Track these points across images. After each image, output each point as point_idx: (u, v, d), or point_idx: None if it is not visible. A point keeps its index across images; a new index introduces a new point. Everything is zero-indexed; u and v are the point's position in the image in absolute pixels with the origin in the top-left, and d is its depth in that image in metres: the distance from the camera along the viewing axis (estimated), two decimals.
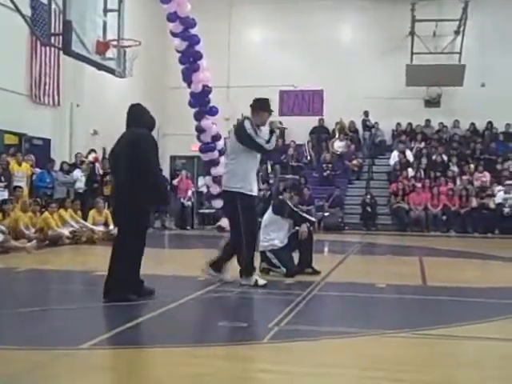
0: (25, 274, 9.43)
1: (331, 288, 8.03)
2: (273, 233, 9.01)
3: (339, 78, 23.37)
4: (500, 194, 19.55)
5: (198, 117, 18.06)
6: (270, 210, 9.22)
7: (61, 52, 13.73)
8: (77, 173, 16.96)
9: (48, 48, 17.08)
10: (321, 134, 23.99)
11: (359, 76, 23.32)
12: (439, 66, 22.16)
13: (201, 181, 21.45)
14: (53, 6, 12.33)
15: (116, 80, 15.33)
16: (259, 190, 8.15)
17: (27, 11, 12.00)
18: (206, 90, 17.81)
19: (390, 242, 16.72)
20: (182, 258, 12.51)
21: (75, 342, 5.00)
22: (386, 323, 6.11)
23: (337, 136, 23.35)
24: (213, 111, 18.20)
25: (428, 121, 24.00)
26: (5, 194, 13.97)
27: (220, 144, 19.00)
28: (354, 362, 4.76)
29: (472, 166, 21.35)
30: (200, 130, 18.18)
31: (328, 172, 22.21)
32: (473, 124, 23.58)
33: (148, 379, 4.35)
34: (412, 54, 22.73)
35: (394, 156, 22.45)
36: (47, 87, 18.33)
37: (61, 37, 12.15)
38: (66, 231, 13.78)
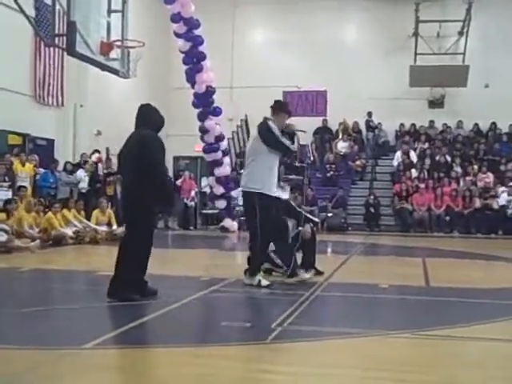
0: (28, 274, 9.45)
1: (334, 288, 8.04)
2: None
3: (343, 78, 23.36)
4: (504, 196, 19.52)
5: (202, 117, 18.09)
6: None
7: (65, 53, 13.76)
8: (80, 173, 16.98)
9: (52, 49, 17.12)
10: (324, 135, 23.99)
11: (363, 77, 23.30)
12: (443, 67, 22.15)
13: (204, 181, 21.48)
14: (57, 6, 12.33)
15: (120, 81, 15.34)
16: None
17: (31, 12, 12.03)
18: (210, 91, 17.85)
19: (393, 243, 16.70)
20: (185, 258, 12.52)
21: (78, 341, 5.01)
22: (389, 324, 6.11)
23: (340, 137, 23.33)
24: (216, 112, 18.23)
25: (432, 121, 23.99)
26: (9, 194, 14.00)
27: (223, 144, 19.03)
28: (356, 362, 4.76)
29: (475, 166, 21.32)
30: (203, 131, 18.21)
31: (331, 173, 22.20)
32: (476, 125, 23.56)
33: (151, 379, 4.35)
34: (416, 54, 22.71)
35: (398, 157, 22.43)
36: (51, 88, 18.37)
37: (65, 37, 12.15)
38: (69, 231, 13.80)
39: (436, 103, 24.10)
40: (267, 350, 5.10)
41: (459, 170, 21.46)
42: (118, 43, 12.97)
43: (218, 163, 18.77)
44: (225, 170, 18.97)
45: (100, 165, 17.61)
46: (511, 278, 10.17)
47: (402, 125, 24.08)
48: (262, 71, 23.98)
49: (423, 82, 22.64)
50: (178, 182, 20.41)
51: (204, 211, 21.51)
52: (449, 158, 22.00)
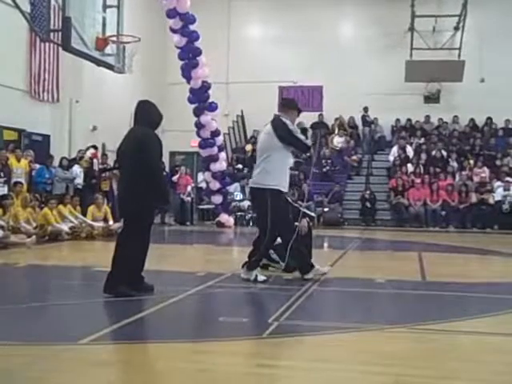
0: (24, 270, 9.44)
1: (331, 283, 8.04)
2: None
3: (339, 73, 23.36)
4: (499, 191, 19.56)
5: (198, 112, 18.08)
6: None
7: (60, 48, 13.74)
8: (76, 169, 16.95)
9: (47, 44, 17.06)
10: (320, 130, 23.97)
11: (359, 72, 23.29)
12: (439, 62, 22.16)
13: (200, 176, 21.47)
14: (52, 2, 12.32)
15: (115, 76, 15.36)
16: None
17: (26, 7, 11.95)
18: (205, 86, 17.84)
19: (390, 238, 16.74)
20: (181, 254, 12.53)
21: (75, 337, 5.01)
22: (385, 318, 6.12)
23: (336, 132, 23.26)
24: (212, 107, 18.22)
25: (427, 116, 24.01)
26: (4, 190, 13.97)
27: (219, 140, 19.03)
28: (353, 356, 4.78)
29: (471, 161, 21.36)
30: (199, 126, 18.20)
31: (327, 168, 22.22)
32: (472, 120, 23.58)
33: (148, 374, 4.35)
34: (411, 49, 22.73)
35: (394, 151, 22.45)
36: (46, 83, 18.33)
37: (60, 33, 12.15)
38: (65, 227, 13.79)
39: (432, 98, 24.10)
40: (264, 345, 5.10)
41: (455, 164, 21.50)
42: (114, 38, 12.97)
43: (214, 158, 18.76)
44: (221, 165, 18.97)
45: (95, 160, 17.57)
46: (507, 273, 10.21)
47: (397, 120, 24.10)
48: (257, 66, 23.98)
49: (419, 77, 22.66)
50: (175, 178, 20.41)
51: (200, 206, 21.53)
52: (445, 153, 22.02)
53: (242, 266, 8.13)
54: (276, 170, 7.85)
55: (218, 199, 19.28)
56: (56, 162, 16.92)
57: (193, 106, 18.12)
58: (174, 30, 17.21)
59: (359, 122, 24.27)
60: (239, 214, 20.23)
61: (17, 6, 12.10)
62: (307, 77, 23.62)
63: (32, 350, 4.78)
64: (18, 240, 12.07)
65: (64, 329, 5.55)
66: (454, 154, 21.95)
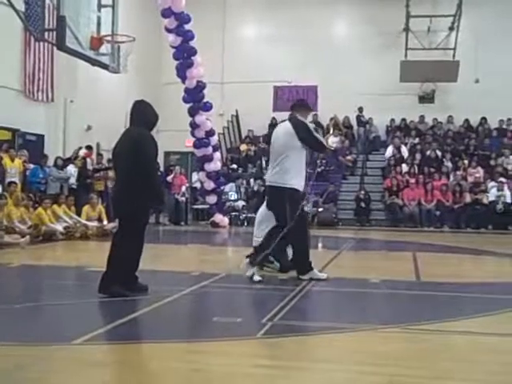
0: (18, 270, 9.42)
1: (325, 283, 8.04)
2: (267, 228, 9.00)
3: (333, 73, 23.38)
4: (493, 191, 19.59)
5: (192, 112, 18.07)
6: (264, 206, 9.21)
7: (55, 47, 13.71)
8: (71, 168, 16.93)
9: (42, 43, 17.04)
10: (317, 130, 23.98)
11: (353, 72, 23.31)
12: (433, 62, 22.19)
13: (195, 176, 21.45)
14: (47, 1, 12.31)
15: (110, 76, 15.34)
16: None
17: (21, 6, 11.94)
18: (200, 86, 17.84)
19: (384, 238, 16.75)
20: (176, 254, 12.52)
21: (68, 337, 5.00)
22: (379, 318, 6.13)
23: (331, 132, 23.23)
24: (207, 107, 18.23)
25: (422, 117, 24.04)
26: None
27: (214, 140, 19.03)
28: (347, 357, 4.78)
29: (466, 161, 21.40)
30: (194, 126, 18.20)
31: (322, 168, 22.21)
32: (467, 120, 23.62)
33: (142, 374, 4.35)
34: (406, 49, 22.75)
35: (390, 151, 22.46)
36: (41, 83, 18.30)
37: (55, 32, 12.14)
38: (59, 227, 13.77)
39: (426, 98, 24.14)
40: (258, 345, 5.11)
41: (449, 164, 21.53)
42: (108, 38, 12.96)
43: (209, 158, 18.76)
44: (215, 165, 18.97)
45: (88, 160, 17.54)
46: (500, 273, 10.23)
47: (392, 120, 24.12)
48: (252, 66, 23.99)
49: (414, 77, 22.68)
50: (169, 178, 20.39)
51: (195, 206, 21.52)
52: (439, 153, 22.05)
53: (246, 257, 8.15)
54: (295, 170, 7.96)
55: (212, 199, 19.28)
56: (50, 162, 16.89)
57: (187, 105, 18.11)
58: (168, 30, 17.21)
59: (354, 122, 24.27)
60: (234, 213, 20.22)
61: (11, 5, 12.08)
62: (302, 77, 23.66)
63: (26, 350, 4.77)
64: (12, 240, 12.04)
65: (58, 329, 5.54)
66: (448, 154, 21.98)
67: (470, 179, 20.62)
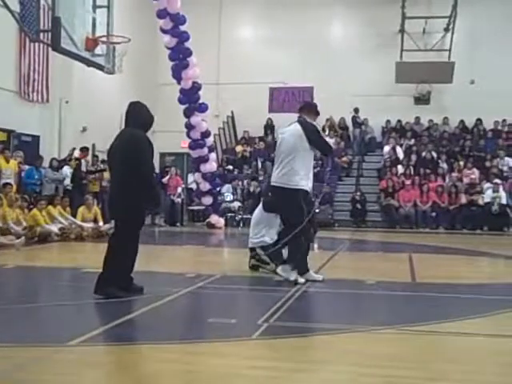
0: (13, 271, 9.37)
1: (320, 285, 8.03)
2: (263, 230, 9.02)
3: (329, 74, 23.39)
4: (488, 193, 19.61)
5: (188, 113, 18.07)
6: (260, 208, 9.21)
7: (50, 48, 13.68)
8: (66, 169, 16.90)
9: (37, 44, 17.00)
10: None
11: (349, 73, 23.33)
12: (429, 64, 22.22)
13: (190, 177, 21.44)
14: (42, 2, 12.28)
15: (105, 77, 15.31)
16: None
17: (16, 7, 11.92)
18: (196, 87, 17.84)
19: (380, 239, 16.77)
20: (171, 255, 12.51)
21: (64, 338, 4.98)
22: (375, 319, 6.12)
23: (327, 133, 23.28)
24: (202, 108, 18.23)
25: (418, 118, 24.07)
26: None
27: (209, 141, 19.03)
28: (343, 358, 4.77)
29: (461, 163, 21.43)
30: (189, 127, 18.19)
31: (318, 169, 22.20)
32: (462, 121, 23.64)
33: (137, 376, 4.34)
34: (402, 51, 22.78)
35: (386, 151, 22.47)
36: (36, 84, 18.26)
37: (50, 33, 12.11)
38: (54, 228, 13.74)
39: (422, 99, 24.17)
40: (254, 347, 5.09)
41: (445, 166, 21.55)
42: (104, 39, 12.94)
43: (204, 159, 18.76)
44: (211, 166, 18.97)
45: (83, 161, 17.49)
46: (496, 274, 10.25)
47: (388, 121, 24.13)
48: (248, 67, 23.98)
49: (409, 78, 22.71)
50: (165, 180, 20.37)
51: (190, 207, 21.50)
52: (435, 155, 22.08)
53: (282, 262, 8.14)
54: (303, 171, 8.00)
55: (208, 200, 19.28)
56: (46, 163, 16.85)
57: (183, 106, 18.11)
58: (164, 31, 17.20)
59: (350, 123, 24.28)
60: (229, 215, 20.21)
61: (6, 6, 12.05)
62: (298, 78, 23.67)
63: (20, 351, 4.75)
64: (7, 241, 12.02)
65: (54, 330, 5.53)
66: (443, 155, 22.01)
67: (466, 180, 20.66)
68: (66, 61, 15.06)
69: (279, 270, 8.10)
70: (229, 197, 20.64)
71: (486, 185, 20.01)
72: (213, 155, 19.31)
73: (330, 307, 7.12)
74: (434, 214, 19.95)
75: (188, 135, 18.49)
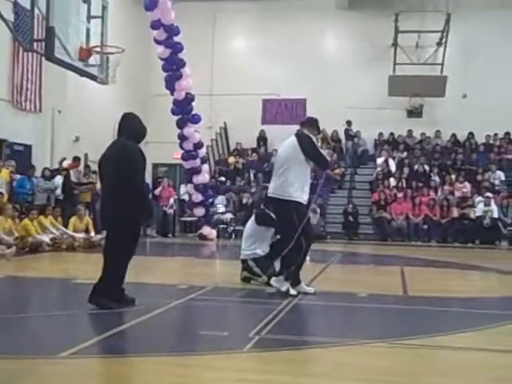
0: (3, 282, 9.32)
1: (312, 297, 8.02)
2: (256, 243, 9.01)
3: (322, 87, 23.43)
4: (480, 206, 19.65)
5: (181, 124, 18.07)
6: (252, 221, 9.21)
7: (43, 58, 13.68)
8: (58, 179, 16.84)
9: (30, 54, 16.97)
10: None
11: (342, 85, 23.38)
12: (421, 77, 22.30)
13: (183, 189, 21.41)
14: (36, 11, 12.27)
15: (98, 87, 15.31)
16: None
17: (10, 16, 11.94)
18: (189, 98, 17.85)
19: (372, 252, 16.77)
20: (163, 266, 12.47)
21: (54, 350, 4.96)
22: (367, 333, 6.12)
23: (319, 145, 23.35)
24: (195, 119, 18.24)
25: (410, 131, 24.12)
26: None
27: (202, 152, 19.03)
28: (334, 371, 4.75)
29: (453, 176, 21.49)
30: (182, 138, 18.19)
31: (310, 181, 22.21)
32: (454, 135, 23.72)
33: None
34: (395, 64, 22.86)
35: (381, 160, 22.51)
36: (29, 93, 18.22)
37: (43, 43, 12.11)
38: (46, 238, 13.68)
39: (414, 113, 24.25)
40: (245, 359, 5.07)
41: (437, 179, 21.60)
42: (97, 49, 12.95)
43: (197, 171, 18.75)
44: (203, 177, 18.96)
45: (75, 171, 17.40)
46: (488, 287, 10.26)
47: (380, 134, 24.18)
48: (241, 79, 24.00)
49: (402, 91, 22.78)
50: (157, 192, 20.33)
51: (182, 219, 21.45)
52: (427, 168, 22.13)
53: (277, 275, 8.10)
54: (298, 183, 8.02)
55: (200, 211, 19.25)
56: (38, 173, 16.79)
57: (176, 117, 18.11)
58: (158, 42, 17.23)
59: (342, 136, 24.32)
60: (222, 226, 20.18)
61: (0, 16, 12.04)
62: (291, 90, 23.72)
63: (10, 363, 4.72)
64: None
65: (44, 342, 5.49)
66: (436, 168, 22.07)
67: (458, 194, 20.71)
68: (59, 70, 15.03)
69: (272, 280, 8.08)
70: (221, 208, 20.61)
71: (478, 198, 20.06)
72: (205, 166, 19.30)
73: (322, 320, 7.11)
74: (425, 227, 19.98)
75: (181, 146, 18.48)
